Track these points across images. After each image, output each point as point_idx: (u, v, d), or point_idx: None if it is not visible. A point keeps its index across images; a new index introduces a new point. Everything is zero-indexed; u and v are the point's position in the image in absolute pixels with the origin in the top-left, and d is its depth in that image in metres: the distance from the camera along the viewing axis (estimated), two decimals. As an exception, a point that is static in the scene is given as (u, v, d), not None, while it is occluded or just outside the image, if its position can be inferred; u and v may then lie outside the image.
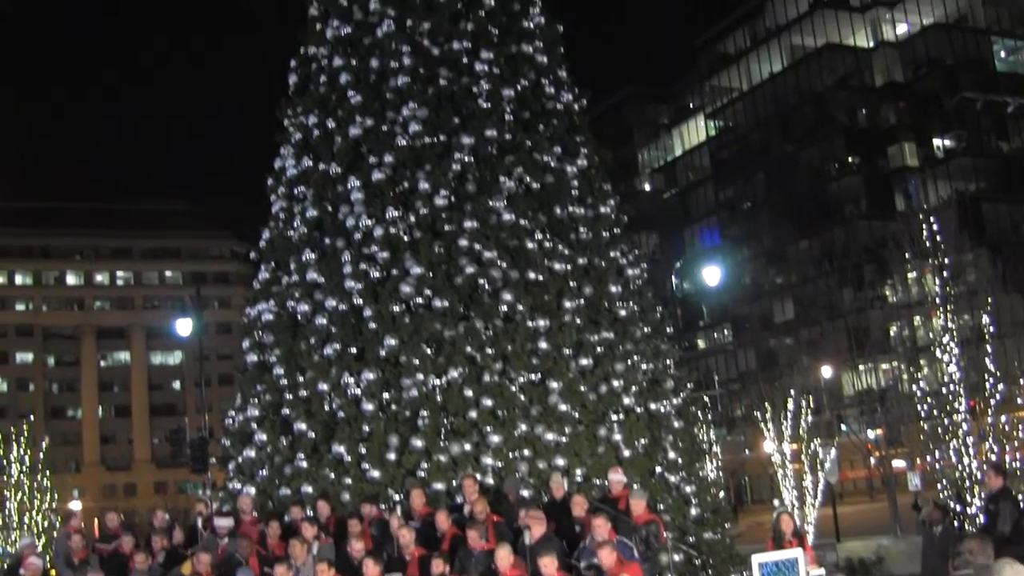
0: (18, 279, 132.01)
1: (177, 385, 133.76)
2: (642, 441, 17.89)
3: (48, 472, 50.51)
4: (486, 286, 17.55)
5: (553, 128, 19.58)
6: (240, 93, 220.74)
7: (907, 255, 29.83)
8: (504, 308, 17.48)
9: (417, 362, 16.96)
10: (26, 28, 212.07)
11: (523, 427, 16.85)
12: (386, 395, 17.13)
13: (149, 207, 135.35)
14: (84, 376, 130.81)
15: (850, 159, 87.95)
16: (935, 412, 27.72)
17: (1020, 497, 18.77)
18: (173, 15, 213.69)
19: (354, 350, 17.57)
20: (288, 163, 20.06)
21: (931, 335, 29.65)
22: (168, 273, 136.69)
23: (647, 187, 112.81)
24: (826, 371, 62.62)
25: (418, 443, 16.59)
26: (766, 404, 37.09)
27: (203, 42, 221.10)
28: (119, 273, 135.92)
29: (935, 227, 28.16)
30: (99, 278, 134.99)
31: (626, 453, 17.49)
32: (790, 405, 36.49)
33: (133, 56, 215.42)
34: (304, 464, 17.31)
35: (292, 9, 22.02)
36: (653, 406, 18.60)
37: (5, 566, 24.26)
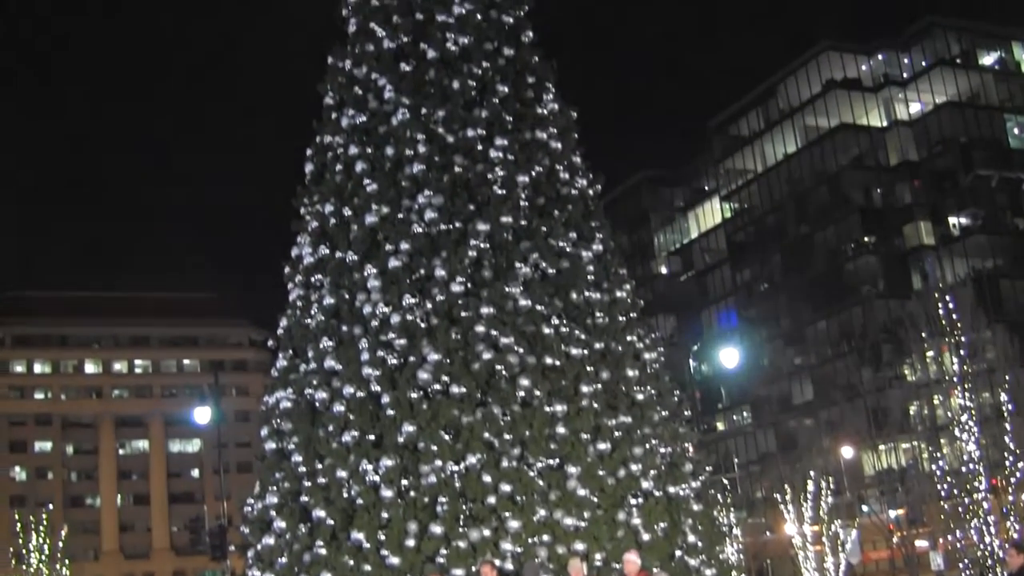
0: (37, 368, 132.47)
1: (196, 473, 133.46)
2: (661, 525, 17.82)
3: (67, 561, 50.47)
4: (503, 372, 17.58)
5: (568, 213, 19.71)
6: (258, 181, 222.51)
7: (924, 334, 29.83)
8: (521, 393, 17.49)
9: (435, 448, 16.96)
10: (48, 118, 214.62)
11: (542, 512, 16.80)
12: (404, 482, 17.10)
13: (166, 295, 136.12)
14: (103, 464, 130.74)
15: (866, 239, 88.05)
16: (956, 491, 27.62)
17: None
18: (197, 112, 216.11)
19: (372, 437, 17.57)
20: (305, 251, 20.20)
21: (950, 414, 29.57)
22: (186, 361, 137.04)
23: (664, 270, 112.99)
24: (846, 451, 62.28)
25: (437, 529, 16.54)
26: (786, 486, 37.00)
27: (219, 136, 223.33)
28: (137, 361, 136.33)
29: (951, 305, 28.23)
30: (117, 366, 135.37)
31: (645, 537, 17.42)
32: (810, 486, 36.38)
33: (149, 152, 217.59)
34: (323, 551, 17.24)
35: (310, 100, 22.31)
36: (672, 490, 18.53)
37: None
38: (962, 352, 28.22)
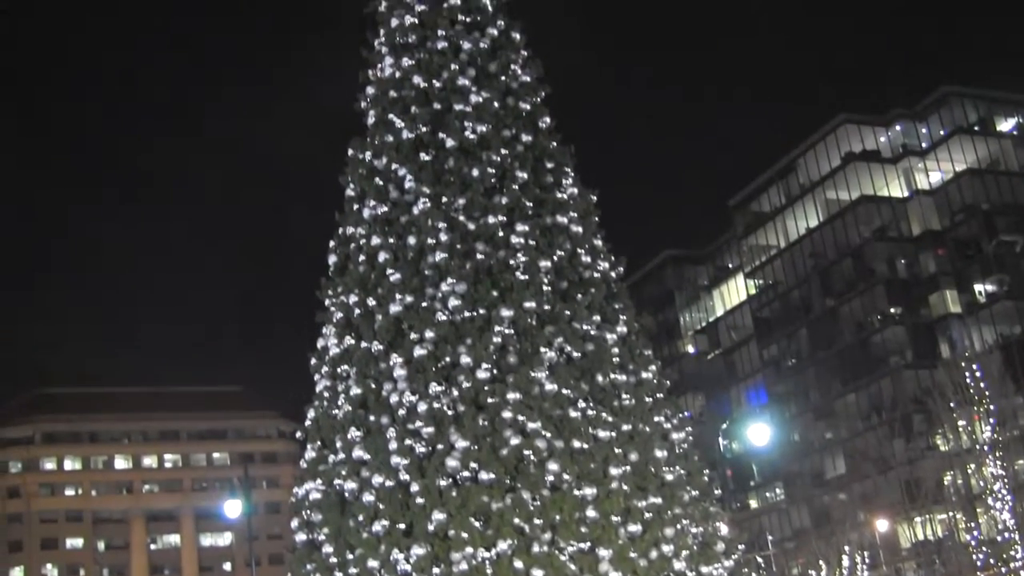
0: (67, 464, 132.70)
1: (228, 566, 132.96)
2: (696, 606, 17.69)
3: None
4: (531, 456, 17.57)
5: (591, 297, 19.80)
6: (283, 274, 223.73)
7: (952, 404, 29.70)
8: (550, 478, 17.47)
9: (466, 536, 16.92)
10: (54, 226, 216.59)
11: (575, 597, 16.71)
12: (436, 570, 17.05)
13: (195, 389, 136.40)
14: (134, 560, 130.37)
15: (892, 310, 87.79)
16: (991, 561, 27.33)
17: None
18: (219, 203, 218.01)
19: (402, 526, 17.55)
20: (331, 342, 20.30)
21: (983, 483, 29.33)
22: (216, 454, 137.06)
23: (691, 349, 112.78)
24: (881, 525, 61.63)
25: (470, 617, 16.46)
26: (821, 562, 36.66)
27: (233, 230, 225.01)
28: (167, 456, 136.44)
29: (978, 374, 28.12)
30: (147, 461, 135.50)
31: (680, 619, 17.29)
32: (845, 561, 36.03)
33: (175, 246, 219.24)
34: (356, 643, 17.17)
35: (332, 191, 22.53)
36: (705, 570, 18.43)
37: None
38: (991, 420, 27.99)
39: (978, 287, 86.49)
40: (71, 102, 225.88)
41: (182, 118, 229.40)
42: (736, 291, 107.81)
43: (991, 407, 26.12)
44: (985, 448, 26.17)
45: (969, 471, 54.80)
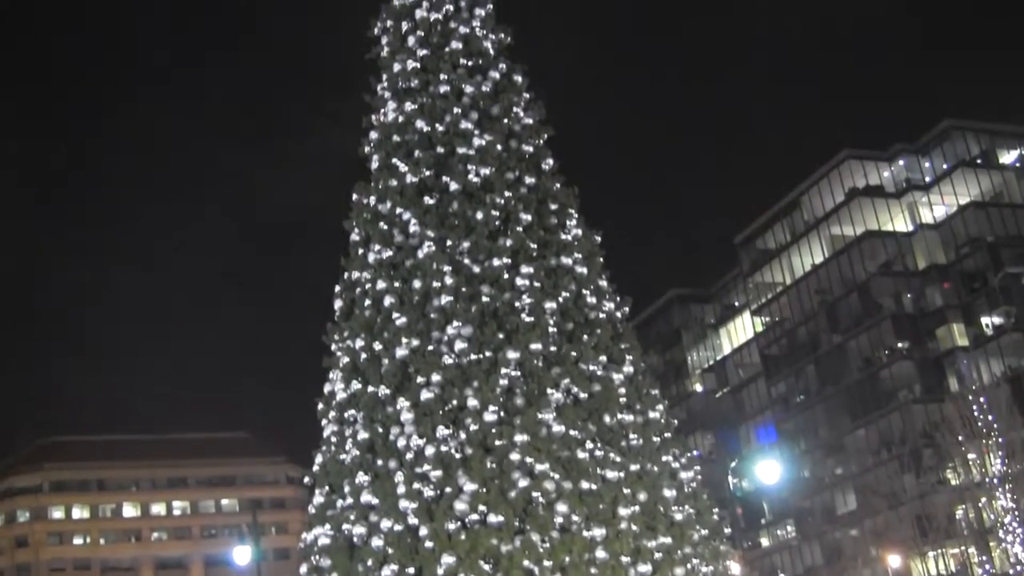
0: (75, 513, 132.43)
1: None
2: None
3: None
4: (540, 498, 17.55)
5: (597, 337, 19.83)
6: (289, 319, 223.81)
7: (960, 437, 29.60)
8: (559, 519, 17.45)
9: (476, 579, 16.88)
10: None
11: (586, 640, 16.65)
12: (447, 614, 17.00)
13: (202, 435, 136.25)
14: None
15: (899, 344, 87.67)
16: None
17: None
18: (221, 250, 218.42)
19: (412, 570, 17.51)
20: (337, 387, 20.32)
21: (993, 516, 29.19)
22: (224, 501, 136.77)
23: (699, 388, 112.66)
24: (893, 560, 61.34)
25: (481, 662, 16.40)
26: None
27: (248, 276, 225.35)
28: (175, 503, 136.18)
29: (986, 407, 28.06)
30: (156, 509, 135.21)
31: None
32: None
33: (182, 296, 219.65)
34: None
35: (336, 234, 22.60)
36: (717, 609, 18.37)
37: None
38: (1000, 453, 27.90)
39: (985, 320, 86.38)
40: (70, 148, 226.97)
41: (183, 163, 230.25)
42: (743, 329, 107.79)
43: (1000, 440, 25.98)
44: (995, 481, 26.02)
45: (980, 504, 54.54)
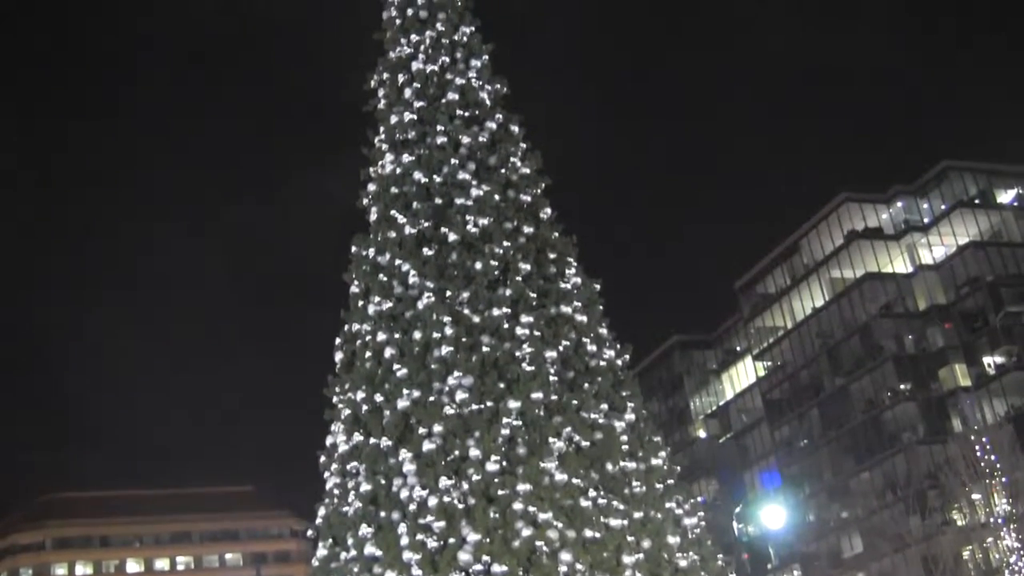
0: (79, 570, 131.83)
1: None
2: None
3: None
4: (544, 547, 17.51)
5: (598, 385, 19.88)
6: (291, 372, 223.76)
7: (964, 478, 29.50)
8: (564, 568, 17.41)
9: (481, 630, 16.82)
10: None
11: None
12: (452, 666, 16.93)
13: (205, 490, 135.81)
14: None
15: (902, 386, 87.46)
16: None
17: None
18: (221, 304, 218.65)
19: (417, 622, 17.45)
20: (339, 439, 20.32)
21: (1001, 556, 29.06)
22: (229, 555, 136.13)
23: (702, 434, 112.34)
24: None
25: None
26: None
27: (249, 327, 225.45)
28: (179, 558, 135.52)
29: (988, 447, 28.01)
30: (160, 564, 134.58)
31: None
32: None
33: (187, 351, 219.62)
34: None
35: (337, 287, 22.67)
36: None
37: None
38: (1005, 493, 27.83)
39: (987, 359, 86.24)
40: (69, 204, 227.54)
41: (183, 215, 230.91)
42: (745, 374, 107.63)
43: (1003, 480, 25.92)
44: (1000, 521, 25.94)
45: (986, 545, 54.25)
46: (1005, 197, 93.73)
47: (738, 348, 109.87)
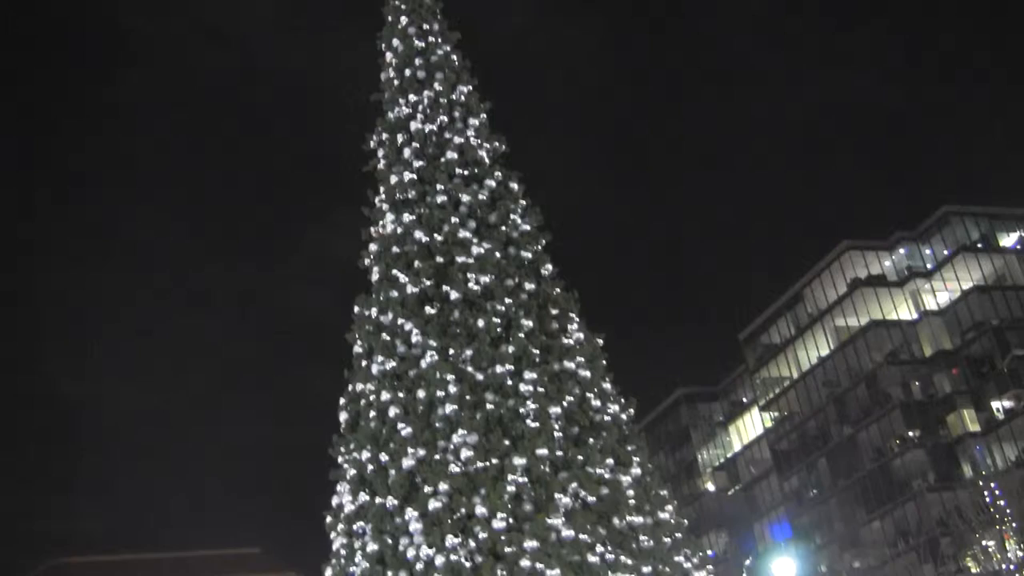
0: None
1: None
2: None
3: None
4: (553, 604, 17.44)
5: (604, 440, 19.88)
6: (296, 433, 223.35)
7: (974, 524, 29.36)
8: (573, 624, 17.32)
9: None
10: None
11: None
12: None
13: (213, 552, 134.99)
14: None
15: (910, 433, 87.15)
16: None
17: None
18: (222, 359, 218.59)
19: None
20: (345, 499, 20.29)
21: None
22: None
23: (710, 486, 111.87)
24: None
25: None
26: None
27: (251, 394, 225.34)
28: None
29: (997, 492, 27.90)
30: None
31: None
32: None
33: (188, 416, 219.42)
34: None
35: (340, 347, 22.69)
36: None
37: None
38: (1016, 539, 27.70)
39: (995, 404, 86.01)
40: (69, 272, 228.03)
41: (182, 271, 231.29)
42: (752, 425, 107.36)
43: (1013, 525, 25.77)
44: (1012, 568, 25.75)
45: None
46: (1007, 240, 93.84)
47: (744, 399, 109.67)
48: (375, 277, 22.32)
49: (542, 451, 18.83)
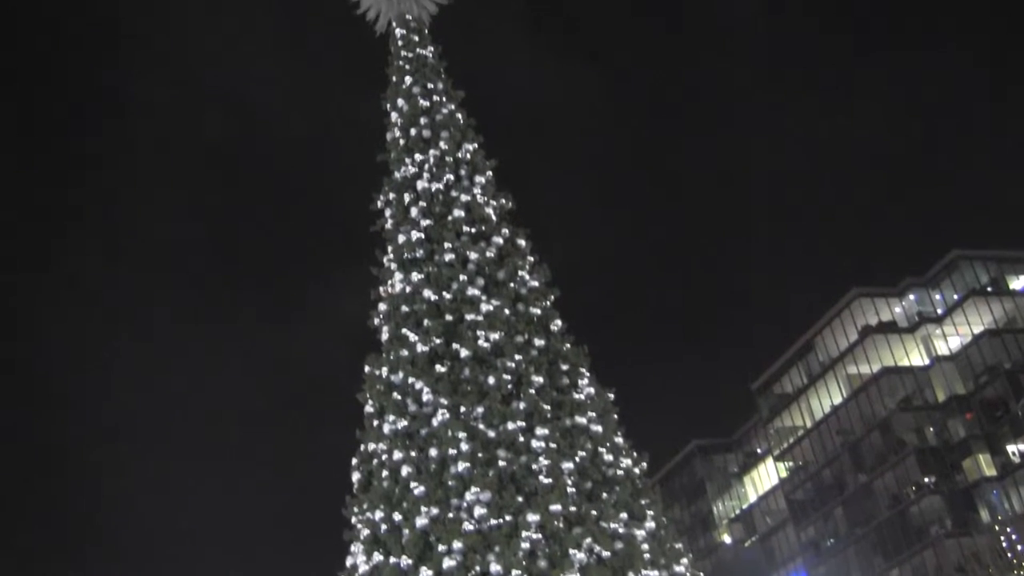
0: None
1: None
2: None
3: None
4: (570, 661, 17.35)
5: (617, 495, 19.84)
6: (307, 494, 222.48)
7: (991, 569, 29.16)
8: None
9: None
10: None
11: None
12: None
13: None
14: None
15: (926, 479, 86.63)
16: None
17: None
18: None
19: None
20: (359, 559, 20.25)
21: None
22: None
23: (727, 539, 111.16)
24: None
25: None
26: None
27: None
28: None
29: (1015, 537, 27.74)
30: None
31: None
32: None
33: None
34: None
35: (351, 405, 22.71)
36: None
37: None
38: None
39: (1011, 448, 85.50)
40: (67, 336, 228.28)
41: (182, 351, 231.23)
42: (767, 475, 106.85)
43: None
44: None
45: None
46: (1017, 283, 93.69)
47: (759, 450, 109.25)
48: (385, 336, 22.38)
49: (555, 507, 18.79)
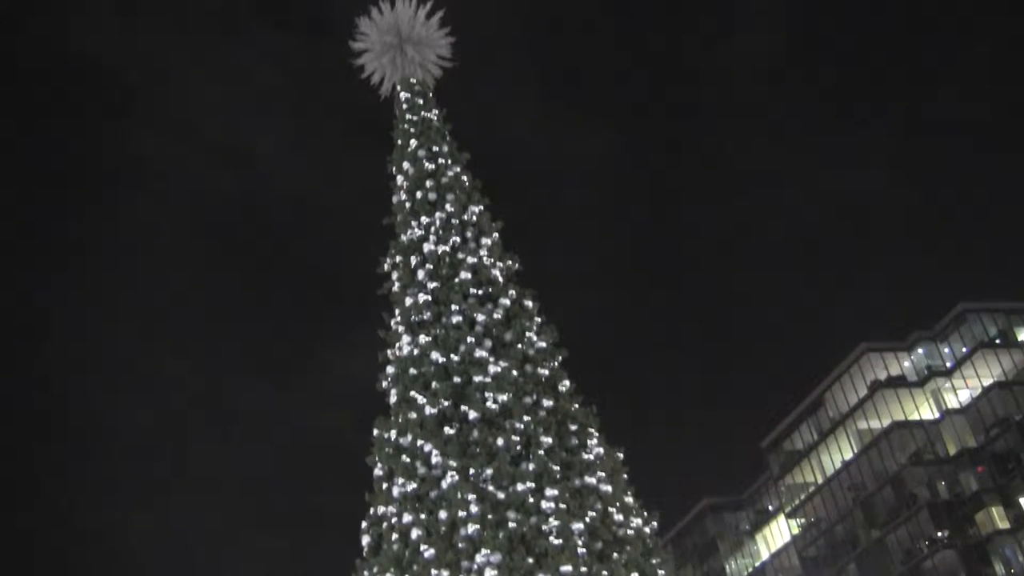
0: None
1: None
2: None
3: None
4: None
5: (628, 555, 19.79)
6: (312, 557, 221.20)
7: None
8: None
9: None
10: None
11: None
12: None
13: None
14: None
15: (939, 533, 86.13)
16: None
17: None
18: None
19: None
20: (372, 624, 20.17)
21: None
22: None
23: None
24: None
25: None
26: None
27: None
28: None
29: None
30: None
31: None
32: None
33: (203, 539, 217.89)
34: None
35: (360, 469, 22.68)
36: None
37: None
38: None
39: (1023, 500, 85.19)
40: (70, 392, 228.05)
41: (185, 401, 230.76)
42: (779, 533, 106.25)
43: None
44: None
45: None
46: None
47: (770, 507, 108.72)
48: (393, 399, 22.41)
49: (566, 568, 18.74)
